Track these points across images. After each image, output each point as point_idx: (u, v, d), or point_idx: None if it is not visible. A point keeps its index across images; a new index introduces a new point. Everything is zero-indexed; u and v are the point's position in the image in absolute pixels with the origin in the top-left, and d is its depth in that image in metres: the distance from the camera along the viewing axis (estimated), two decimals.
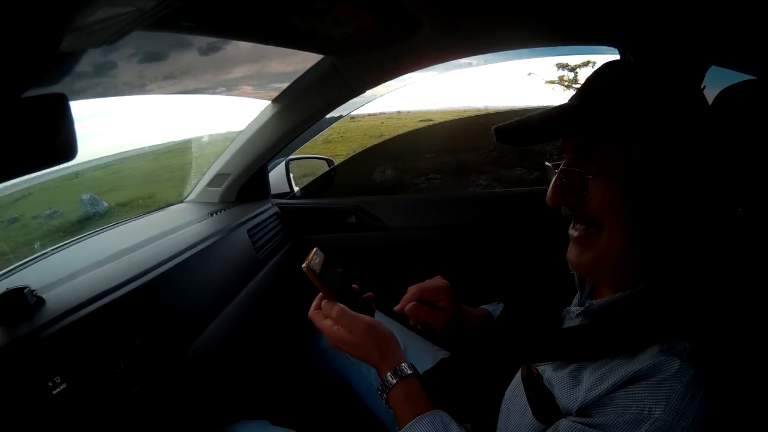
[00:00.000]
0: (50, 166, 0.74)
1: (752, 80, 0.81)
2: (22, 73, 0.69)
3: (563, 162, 0.76)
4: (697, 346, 0.64)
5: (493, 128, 0.78)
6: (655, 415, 0.59)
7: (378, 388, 0.89)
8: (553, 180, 0.76)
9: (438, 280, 1.12)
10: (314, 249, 0.97)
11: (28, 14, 0.61)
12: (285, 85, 1.73)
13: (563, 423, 0.69)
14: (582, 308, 0.79)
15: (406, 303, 1.09)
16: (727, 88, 0.80)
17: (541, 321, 0.88)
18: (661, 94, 0.71)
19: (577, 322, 0.80)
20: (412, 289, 1.11)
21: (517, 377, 0.83)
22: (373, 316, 1.01)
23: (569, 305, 0.87)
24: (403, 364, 0.89)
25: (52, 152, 0.73)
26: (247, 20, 1.11)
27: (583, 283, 0.87)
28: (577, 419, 0.67)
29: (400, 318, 1.17)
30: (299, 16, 1.11)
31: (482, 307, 1.22)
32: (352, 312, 0.92)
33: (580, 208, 0.73)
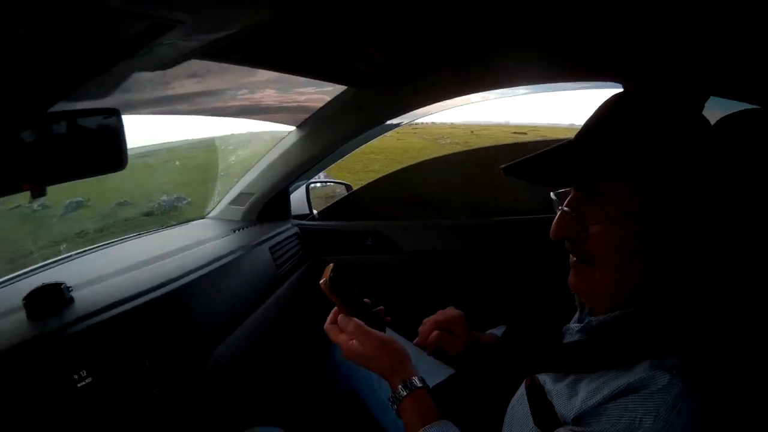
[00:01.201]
0: (102, 174, 0.82)
1: (751, 109, 0.83)
2: (75, 85, 0.77)
3: (567, 198, 0.80)
4: (686, 361, 0.67)
5: (500, 167, 0.81)
6: (646, 425, 0.63)
7: (389, 399, 0.94)
8: (557, 217, 0.79)
9: (451, 311, 1.17)
10: (330, 265, 1.02)
11: (92, 38, 0.68)
12: (307, 90, 1.75)
13: (561, 431, 0.73)
14: (581, 325, 0.83)
15: (425, 335, 1.13)
16: (725, 116, 0.82)
17: (544, 336, 0.92)
18: (668, 134, 0.72)
19: (576, 337, 0.84)
20: (428, 322, 1.15)
21: (522, 388, 0.87)
22: (385, 329, 1.06)
23: (569, 322, 0.91)
24: (413, 378, 0.94)
25: (104, 161, 0.81)
26: (286, 54, 1.19)
27: (583, 302, 0.91)
28: (574, 428, 0.71)
29: (411, 336, 1.21)
30: (331, 53, 1.19)
31: (489, 332, 1.26)
32: (367, 327, 0.97)
33: (581, 243, 0.77)
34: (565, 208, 0.78)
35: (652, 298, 0.75)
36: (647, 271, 0.74)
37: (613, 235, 0.73)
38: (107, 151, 0.82)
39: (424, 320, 1.17)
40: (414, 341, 1.14)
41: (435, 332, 1.12)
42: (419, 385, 0.93)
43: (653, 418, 0.63)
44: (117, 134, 0.82)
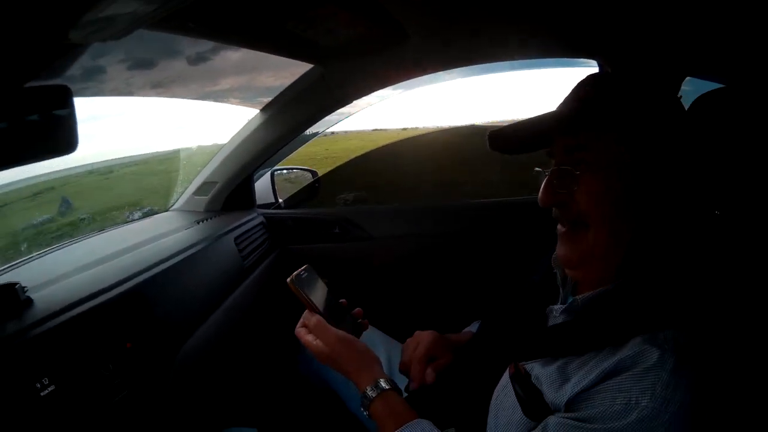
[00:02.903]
0: (51, 157, 0.74)
1: (723, 88, 0.84)
2: (28, 62, 0.69)
3: (553, 164, 0.79)
4: (678, 334, 0.66)
5: (488, 133, 0.82)
6: (642, 404, 0.61)
7: (360, 402, 0.90)
8: (545, 180, 0.79)
9: (421, 337, 1.10)
10: (305, 265, 0.99)
11: (38, 4, 0.61)
12: (271, 99, 1.75)
13: (552, 420, 0.70)
14: (565, 306, 0.81)
15: (419, 377, 1.04)
16: (701, 95, 0.83)
17: (526, 320, 0.90)
18: (645, 98, 0.75)
19: (561, 319, 0.82)
20: (414, 361, 1.06)
21: (506, 376, 0.84)
22: (360, 333, 1.02)
23: (552, 304, 0.88)
24: (380, 379, 0.90)
25: (53, 143, 0.73)
26: (247, 24, 1.13)
27: (565, 281, 0.89)
28: (566, 414, 0.68)
29: (384, 327, 1.15)
30: (295, 21, 1.14)
31: (465, 331, 1.23)
32: (327, 324, 0.94)
33: (570, 206, 0.76)
34: (554, 167, 0.78)
35: (639, 268, 0.73)
36: (637, 235, 0.73)
37: (602, 185, 0.73)
38: (57, 132, 0.74)
39: (406, 361, 1.08)
40: (410, 387, 1.05)
41: (429, 372, 1.04)
42: (386, 387, 0.89)
43: (649, 396, 0.61)
44: (68, 114, 0.74)
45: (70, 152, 0.75)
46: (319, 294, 0.98)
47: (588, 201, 0.74)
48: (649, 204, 0.73)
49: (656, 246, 0.73)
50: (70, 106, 0.74)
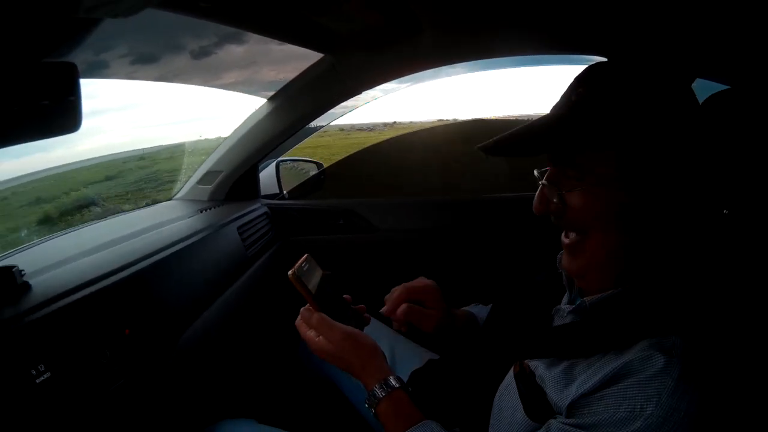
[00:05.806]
0: (54, 135, 0.73)
1: (728, 90, 0.83)
2: (36, 35, 0.67)
3: (546, 172, 0.78)
4: (686, 340, 0.64)
5: (477, 147, 0.79)
6: (648, 412, 0.60)
7: (365, 400, 0.89)
8: (538, 190, 0.78)
9: (423, 280, 1.10)
10: (305, 255, 0.97)
11: None
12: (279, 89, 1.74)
13: (554, 424, 0.69)
14: (573, 306, 0.79)
15: (394, 305, 1.06)
16: (713, 95, 0.82)
17: (532, 319, 0.88)
18: (648, 100, 0.70)
19: (568, 319, 0.80)
20: (398, 290, 1.08)
21: (510, 374, 0.83)
22: (362, 328, 0.99)
23: (558, 303, 0.87)
24: (390, 377, 0.88)
25: (57, 121, 0.72)
26: (260, 6, 1.11)
27: (572, 281, 0.87)
28: (568, 421, 0.67)
29: (388, 320, 1.15)
30: (308, 8, 1.13)
31: (462, 309, 1.21)
32: (332, 321, 0.91)
33: (565, 217, 0.75)
34: (544, 182, 0.77)
35: (647, 272, 0.72)
36: (640, 238, 0.71)
37: (595, 199, 0.71)
38: (61, 110, 0.72)
39: (394, 288, 1.09)
40: (381, 309, 1.07)
41: (404, 306, 1.05)
42: (396, 385, 0.88)
43: (655, 404, 0.60)
44: (72, 92, 0.72)
45: (74, 131, 0.74)
46: (321, 288, 0.95)
47: (581, 214, 0.73)
48: (653, 212, 0.70)
49: (660, 251, 0.72)
50: (76, 85, 0.72)
